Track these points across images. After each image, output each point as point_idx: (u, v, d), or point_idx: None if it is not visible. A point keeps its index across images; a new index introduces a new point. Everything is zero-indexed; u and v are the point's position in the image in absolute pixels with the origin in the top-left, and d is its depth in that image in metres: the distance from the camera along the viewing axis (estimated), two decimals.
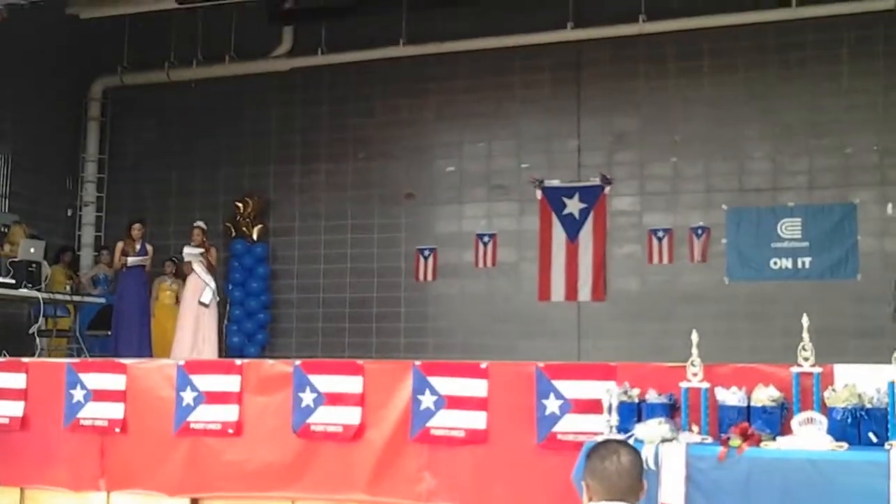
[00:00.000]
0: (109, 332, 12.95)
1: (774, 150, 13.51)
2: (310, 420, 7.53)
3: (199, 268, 12.44)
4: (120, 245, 12.78)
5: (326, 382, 7.57)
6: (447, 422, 7.18)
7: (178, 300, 14.07)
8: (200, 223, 12.88)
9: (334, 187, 15.33)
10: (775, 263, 13.20)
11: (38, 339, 11.92)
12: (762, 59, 13.57)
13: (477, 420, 7.14)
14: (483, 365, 7.29)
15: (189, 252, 12.46)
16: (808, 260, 13.05)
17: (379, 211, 15.09)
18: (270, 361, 8.27)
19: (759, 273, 13.23)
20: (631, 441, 6.11)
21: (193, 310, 12.43)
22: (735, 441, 5.95)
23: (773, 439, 6.04)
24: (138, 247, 12.68)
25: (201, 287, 12.43)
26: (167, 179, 16.14)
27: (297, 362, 7.78)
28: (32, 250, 12.27)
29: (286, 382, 7.69)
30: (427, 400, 7.24)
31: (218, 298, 12.77)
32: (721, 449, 5.96)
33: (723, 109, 13.69)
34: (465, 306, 14.50)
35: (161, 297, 14.09)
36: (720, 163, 13.69)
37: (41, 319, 11.92)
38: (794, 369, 6.26)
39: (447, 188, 14.89)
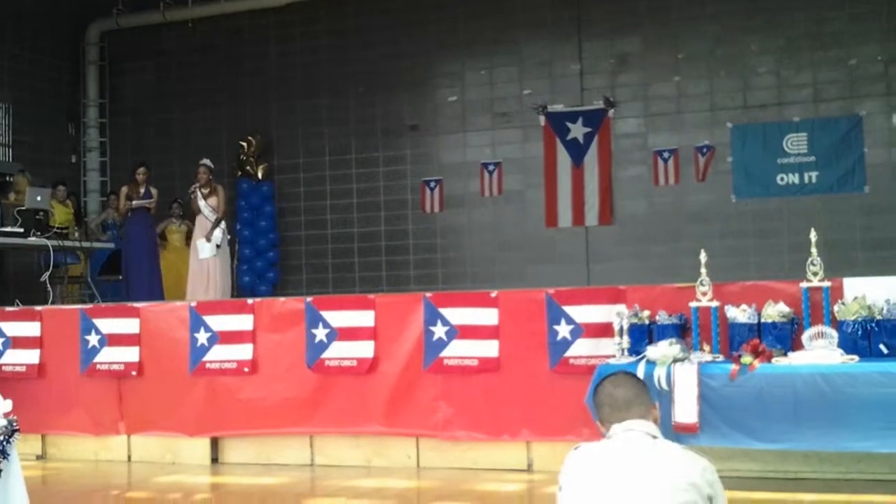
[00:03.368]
0: (121, 277, 13.00)
1: (778, 64, 13.38)
2: (324, 355, 7.61)
3: (205, 209, 12.40)
4: (124, 189, 12.76)
5: (339, 318, 7.65)
6: (460, 351, 7.26)
7: (187, 241, 14.08)
8: (206, 161, 12.72)
9: (337, 122, 15.25)
10: (782, 179, 13.14)
11: (49, 287, 11.95)
12: None
13: (489, 348, 7.21)
14: (493, 294, 7.35)
15: (203, 246, 12.33)
16: (814, 174, 12.99)
17: (383, 144, 15.03)
18: (282, 299, 8.36)
19: (766, 190, 13.18)
20: (643, 362, 6.19)
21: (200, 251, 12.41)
22: (746, 358, 6.01)
23: (785, 355, 6.09)
24: (142, 190, 12.64)
25: (208, 227, 12.41)
26: (169, 121, 16.09)
27: (309, 299, 7.85)
28: (39, 198, 12.22)
29: (299, 319, 7.76)
30: (439, 331, 7.31)
31: (229, 237, 12.69)
32: (733, 367, 6.02)
33: (725, 25, 13.53)
34: (472, 236, 14.51)
35: (170, 239, 14.11)
36: (724, 80, 13.57)
37: (52, 267, 11.94)
38: (804, 284, 6.29)
39: (450, 118, 14.81)
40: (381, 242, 14.83)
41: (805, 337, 6.10)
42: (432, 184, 14.70)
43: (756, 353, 6.01)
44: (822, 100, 13.09)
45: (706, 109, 13.63)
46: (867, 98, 12.94)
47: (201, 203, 12.31)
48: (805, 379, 5.83)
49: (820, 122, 13.01)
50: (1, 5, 14.25)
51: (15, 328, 8.61)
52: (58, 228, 12.30)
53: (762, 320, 6.32)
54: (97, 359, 8.28)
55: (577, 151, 14.00)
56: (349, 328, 7.60)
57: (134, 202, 12.46)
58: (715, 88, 13.61)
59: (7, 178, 13.07)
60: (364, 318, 7.60)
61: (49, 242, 11.78)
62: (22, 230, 11.75)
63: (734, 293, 6.61)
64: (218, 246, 12.30)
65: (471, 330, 7.27)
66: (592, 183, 13.92)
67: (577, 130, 14.05)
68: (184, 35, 15.80)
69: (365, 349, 7.52)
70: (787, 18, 13.27)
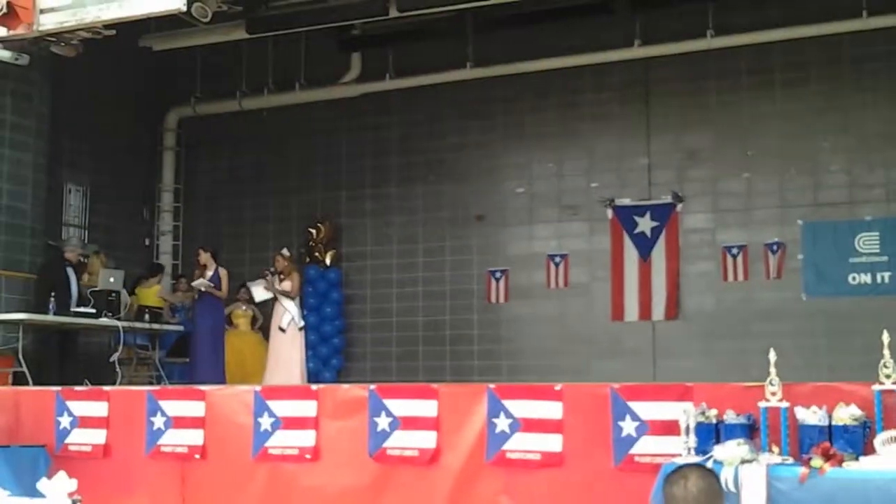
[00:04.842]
0: (188, 359, 13.16)
1: (850, 162, 13.29)
2: (386, 444, 7.55)
3: (279, 294, 12.60)
4: (196, 273, 13.04)
5: (401, 406, 7.59)
6: (523, 445, 7.15)
7: (252, 326, 14.25)
8: (284, 251, 13.04)
9: (405, 211, 15.41)
10: (854, 279, 12.95)
11: (118, 368, 12.14)
12: (835, 71, 13.36)
13: (552, 443, 7.10)
14: (557, 387, 7.26)
15: (257, 289, 12.69)
16: (887, 274, 12.77)
17: (450, 233, 15.13)
18: (346, 386, 8.35)
19: (837, 289, 12.98)
20: (710, 463, 6.04)
21: (275, 336, 12.59)
22: (816, 461, 5.85)
23: (856, 459, 5.92)
24: (210, 273, 12.89)
25: (281, 312, 12.59)
26: (241, 207, 16.37)
27: (372, 386, 7.82)
28: (112, 280, 12.54)
29: (362, 407, 7.73)
30: (502, 423, 7.22)
31: (302, 324, 12.84)
32: (802, 470, 5.86)
33: (796, 122, 13.50)
34: (538, 327, 14.45)
35: (236, 322, 14.26)
36: (794, 177, 13.50)
37: (121, 348, 12.15)
38: (876, 387, 6.14)
39: (517, 209, 14.89)
40: (445, 332, 14.82)
41: (877, 441, 5.94)
42: (498, 274, 14.72)
43: (827, 457, 5.86)
44: (895, 199, 12.93)
45: (776, 206, 13.54)
46: None
47: (257, 289, 12.55)
48: (878, 485, 5.66)
49: (892, 222, 12.83)
50: (83, 91, 14.70)
51: (83, 408, 8.70)
52: (154, 308, 12.75)
53: (833, 423, 6.17)
54: (161, 441, 8.32)
55: (644, 245, 13.97)
56: (412, 417, 7.54)
57: (194, 283, 12.74)
58: (785, 185, 13.54)
59: (82, 260, 13.40)
60: (427, 407, 7.54)
61: (119, 323, 12.02)
62: (94, 311, 12.00)
63: (804, 394, 6.46)
64: (283, 330, 12.45)
65: (534, 423, 7.18)
66: (659, 277, 13.85)
67: (645, 224, 14.03)
68: (258, 123, 16.17)
69: (427, 439, 7.45)
70: (858, 117, 13.22)
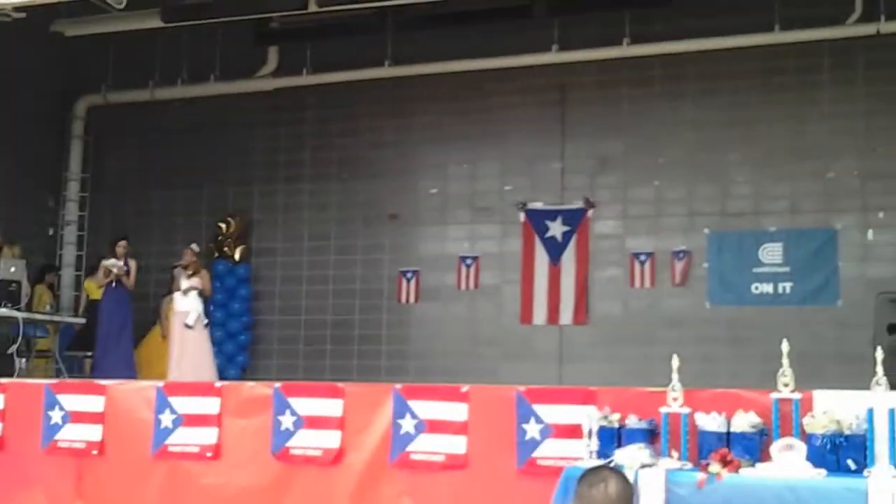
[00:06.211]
0: (89, 353, 12.90)
1: (757, 174, 13.55)
2: (289, 443, 7.49)
3: (185, 286, 12.40)
4: (104, 263, 12.80)
5: (306, 405, 7.53)
6: (427, 446, 7.14)
7: None
8: (193, 245, 12.88)
9: (318, 208, 15.30)
10: (756, 288, 13.21)
11: (16, 360, 11.83)
12: (745, 83, 13.61)
13: (457, 444, 7.10)
14: (464, 388, 7.26)
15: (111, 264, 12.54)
16: (789, 285, 13.07)
17: (363, 232, 15.07)
18: (250, 384, 8.25)
19: (740, 298, 13.24)
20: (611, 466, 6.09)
21: (179, 332, 12.39)
22: (714, 467, 5.94)
23: (753, 465, 6.02)
24: (122, 264, 12.69)
25: (186, 309, 12.39)
26: (150, 199, 16.08)
27: (277, 385, 7.74)
28: (13, 269, 12.25)
29: (266, 405, 7.64)
30: (407, 424, 7.20)
31: (206, 321, 12.68)
32: (700, 475, 5.94)
33: (706, 133, 13.72)
34: (447, 329, 14.46)
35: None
36: (703, 186, 13.72)
37: (20, 339, 11.85)
38: (774, 395, 6.26)
39: (431, 210, 14.88)
40: (354, 331, 14.75)
41: (774, 448, 6.05)
42: (409, 274, 14.70)
43: (724, 463, 5.95)
44: (799, 211, 13.24)
45: (684, 214, 13.75)
46: (843, 212, 13.09)
47: (183, 282, 12.36)
48: (773, 492, 5.76)
49: (795, 234, 13.13)
50: None
51: None
52: None
53: (732, 429, 6.26)
54: (59, 435, 8.12)
55: (555, 249, 14.07)
56: (316, 417, 7.48)
57: (105, 262, 12.54)
58: (693, 194, 13.76)
59: None
60: (332, 406, 7.48)
61: (19, 314, 11.73)
62: None
63: (705, 400, 6.56)
64: (191, 327, 12.27)
65: (439, 424, 7.16)
66: (569, 282, 13.96)
67: (556, 229, 14.13)
68: (170, 114, 15.92)
69: (331, 439, 7.40)
70: (766, 129, 13.48)
